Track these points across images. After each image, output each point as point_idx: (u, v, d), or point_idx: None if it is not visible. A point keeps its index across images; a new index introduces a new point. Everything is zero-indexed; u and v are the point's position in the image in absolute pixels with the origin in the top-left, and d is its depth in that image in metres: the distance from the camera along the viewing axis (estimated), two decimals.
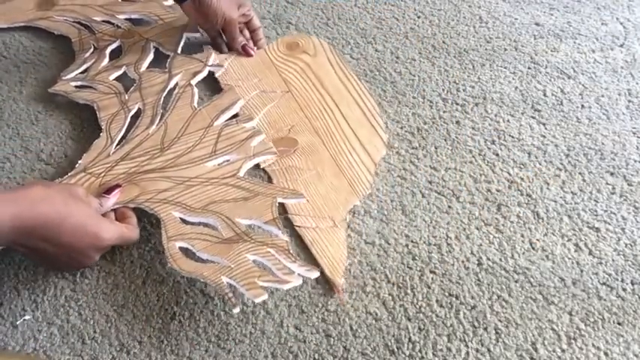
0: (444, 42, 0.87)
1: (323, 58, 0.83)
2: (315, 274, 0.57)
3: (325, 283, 0.58)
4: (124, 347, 0.54)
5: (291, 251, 0.58)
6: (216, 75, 0.79)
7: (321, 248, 0.61)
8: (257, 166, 0.69)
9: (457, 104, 0.77)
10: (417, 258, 0.61)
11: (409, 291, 0.58)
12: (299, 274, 0.56)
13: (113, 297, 0.58)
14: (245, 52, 0.82)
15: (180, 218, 0.61)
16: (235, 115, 0.73)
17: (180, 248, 0.59)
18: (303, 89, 0.78)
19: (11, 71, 0.82)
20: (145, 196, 0.63)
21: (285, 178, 0.67)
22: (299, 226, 0.62)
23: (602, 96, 0.79)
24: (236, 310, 0.54)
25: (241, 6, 0.81)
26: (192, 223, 0.61)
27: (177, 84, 0.77)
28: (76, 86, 0.77)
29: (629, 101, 0.78)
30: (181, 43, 0.83)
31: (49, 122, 0.75)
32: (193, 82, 0.77)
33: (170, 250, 0.58)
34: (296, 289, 0.58)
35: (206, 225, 0.61)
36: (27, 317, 0.56)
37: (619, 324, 0.56)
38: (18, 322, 0.56)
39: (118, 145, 0.69)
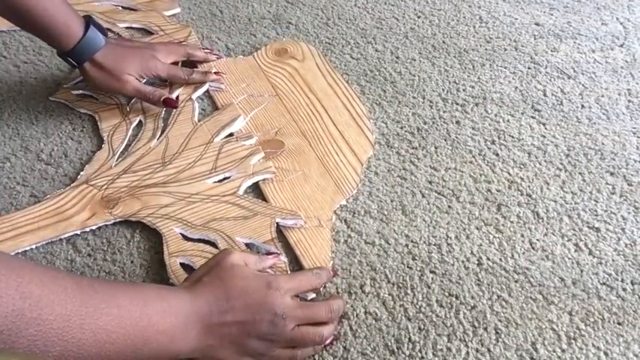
0: (444, 42, 0.87)
1: (311, 63, 0.83)
2: (312, 295, 0.57)
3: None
4: None
5: (289, 271, 0.58)
6: (210, 88, 0.79)
7: (305, 249, 0.61)
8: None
9: (457, 104, 0.77)
10: (417, 258, 0.61)
11: (409, 291, 0.58)
12: None
13: None
14: (168, 105, 0.74)
15: (182, 234, 0.62)
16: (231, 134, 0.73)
17: (182, 264, 0.59)
18: (291, 93, 0.78)
19: (11, 71, 0.82)
20: (146, 211, 0.63)
21: (272, 179, 0.67)
22: (284, 226, 0.63)
23: (602, 96, 0.79)
24: None
25: (146, 67, 0.74)
26: (193, 240, 0.61)
27: (177, 98, 0.77)
28: (77, 95, 0.77)
29: (629, 101, 0.78)
30: None
31: (49, 122, 0.75)
32: (194, 96, 0.77)
33: (172, 267, 0.59)
34: None
35: (206, 242, 0.61)
36: None
37: (619, 324, 0.56)
38: None
39: (119, 157, 0.69)
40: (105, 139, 0.72)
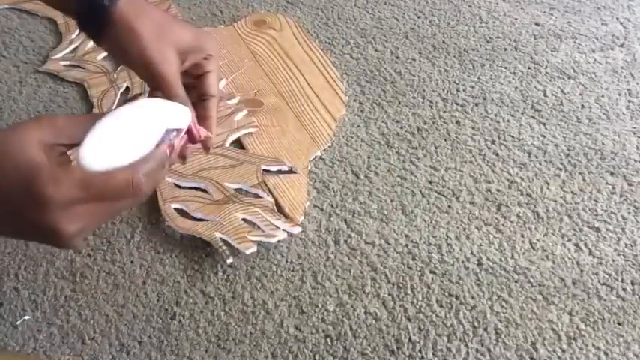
0: (444, 42, 0.87)
1: (289, 33, 0.87)
2: (297, 229, 0.62)
3: (324, 283, 0.59)
4: (124, 347, 0.54)
5: (275, 210, 0.63)
6: None
7: (282, 191, 0.66)
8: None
9: (457, 104, 0.77)
10: (417, 258, 0.61)
11: (409, 291, 0.58)
12: (283, 230, 0.61)
13: (113, 297, 0.58)
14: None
15: (174, 183, 0.65)
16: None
17: (176, 209, 0.63)
18: (269, 59, 0.83)
19: (11, 71, 0.82)
20: None
21: (251, 133, 0.72)
22: (264, 171, 0.67)
23: (602, 96, 0.79)
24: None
25: (192, 51, 0.50)
26: (185, 188, 0.65)
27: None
28: (65, 65, 0.81)
29: (629, 101, 0.78)
30: None
31: None
32: None
33: (166, 211, 0.62)
34: (296, 289, 0.58)
35: (197, 189, 0.65)
36: (27, 317, 0.56)
37: (619, 324, 0.56)
38: (18, 322, 0.56)
39: None
40: (94, 103, 0.75)
